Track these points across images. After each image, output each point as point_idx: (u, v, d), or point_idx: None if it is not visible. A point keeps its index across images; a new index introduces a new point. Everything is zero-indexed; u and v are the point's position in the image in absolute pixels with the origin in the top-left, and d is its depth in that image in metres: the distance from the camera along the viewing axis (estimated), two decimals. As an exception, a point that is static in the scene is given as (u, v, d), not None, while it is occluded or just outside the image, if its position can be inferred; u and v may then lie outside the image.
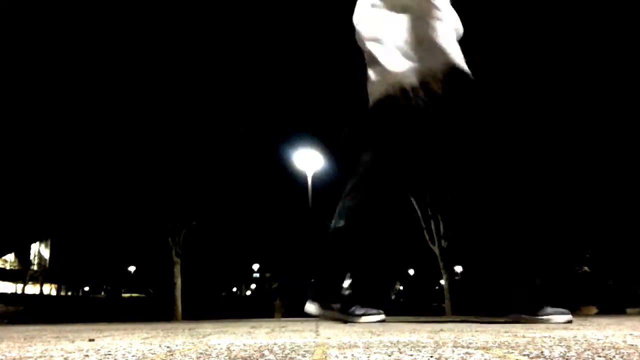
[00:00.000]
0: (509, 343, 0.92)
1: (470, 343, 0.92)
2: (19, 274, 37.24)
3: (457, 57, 2.17)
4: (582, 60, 14.16)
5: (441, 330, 1.41)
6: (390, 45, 2.15)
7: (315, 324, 2.40)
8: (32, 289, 37.86)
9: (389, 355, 0.73)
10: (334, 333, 1.36)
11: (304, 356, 0.76)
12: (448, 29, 2.22)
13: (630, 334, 1.11)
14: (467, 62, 2.23)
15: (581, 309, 24.03)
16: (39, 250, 41.92)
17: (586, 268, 27.21)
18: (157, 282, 30.99)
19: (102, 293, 43.27)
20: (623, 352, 0.74)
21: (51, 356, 0.85)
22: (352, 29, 2.43)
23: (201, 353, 0.84)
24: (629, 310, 17.65)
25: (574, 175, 16.37)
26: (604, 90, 14.55)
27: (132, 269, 39.70)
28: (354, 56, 2.51)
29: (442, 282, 16.31)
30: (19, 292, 35.05)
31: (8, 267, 38.92)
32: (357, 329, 1.62)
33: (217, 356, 0.78)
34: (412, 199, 15.78)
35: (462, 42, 2.40)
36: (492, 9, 12.98)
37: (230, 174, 15.01)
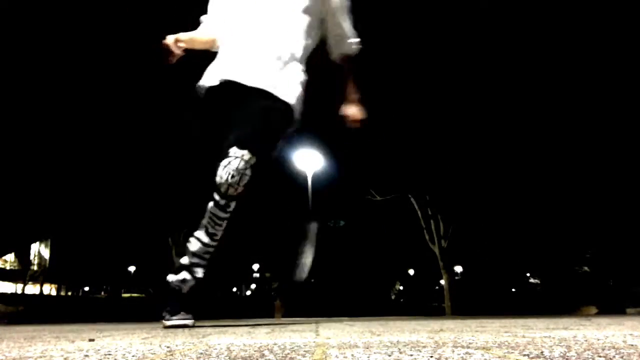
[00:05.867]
0: (509, 343, 0.92)
1: (470, 343, 0.92)
2: (19, 274, 37.22)
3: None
4: (582, 60, 14.15)
5: (441, 330, 1.41)
6: None
7: (315, 324, 2.40)
8: (32, 289, 37.85)
9: (389, 355, 0.73)
10: (334, 333, 1.36)
11: (304, 356, 0.76)
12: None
13: (630, 334, 1.11)
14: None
15: (581, 309, 24.04)
16: (39, 250, 41.92)
17: (586, 268, 27.22)
18: (157, 282, 30.99)
19: (102, 293, 43.28)
20: (623, 352, 0.74)
21: (51, 356, 0.85)
22: None
23: (201, 353, 0.84)
24: (629, 310, 17.65)
25: (574, 176, 16.37)
26: (603, 90, 14.55)
27: (132, 269, 39.71)
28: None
29: (442, 282, 16.32)
30: (19, 292, 35.04)
31: (8, 267, 38.92)
32: (357, 329, 1.62)
33: (217, 356, 0.78)
34: (412, 199, 15.78)
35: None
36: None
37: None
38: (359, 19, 2.41)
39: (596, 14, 13.39)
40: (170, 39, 2.26)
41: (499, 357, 0.71)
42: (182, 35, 2.30)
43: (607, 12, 13.37)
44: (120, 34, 13.56)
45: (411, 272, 41.33)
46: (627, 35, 13.42)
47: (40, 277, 38.08)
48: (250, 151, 1.92)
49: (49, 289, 41.75)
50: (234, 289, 47.25)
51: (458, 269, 31.43)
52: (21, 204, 19.42)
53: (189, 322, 1.97)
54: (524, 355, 0.73)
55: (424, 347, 0.85)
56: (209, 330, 1.72)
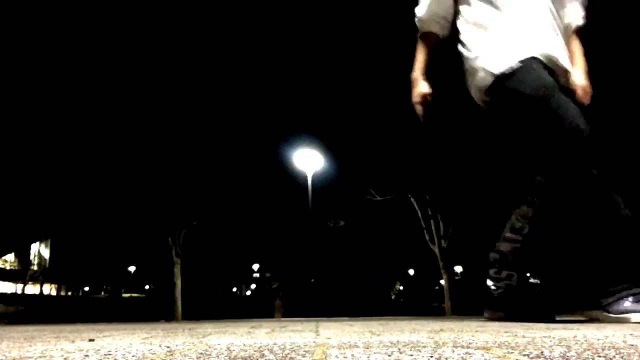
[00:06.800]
0: (509, 343, 0.92)
1: (470, 343, 0.92)
2: (19, 274, 37.27)
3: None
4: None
5: (441, 330, 1.41)
6: None
7: (315, 324, 2.40)
8: (32, 289, 37.89)
9: (389, 355, 0.73)
10: (334, 333, 1.36)
11: (304, 356, 0.76)
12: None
13: (630, 334, 1.11)
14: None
15: (581, 309, 24.02)
16: (39, 250, 41.96)
17: (586, 268, 27.18)
18: (157, 282, 31.01)
19: (102, 293, 43.31)
20: (623, 352, 0.74)
21: (51, 356, 0.85)
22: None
23: (201, 353, 0.84)
24: (629, 310, 17.63)
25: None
26: (603, 90, 14.52)
27: (132, 269, 39.73)
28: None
29: (442, 282, 16.31)
30: (19, 292, 35.08)
31: (8, 267, 38.94)
32: (357, 329, 1.62)
33: (217, 356, 0.78)
34: (412, 199, 15.78)
35: None
36: None
37: (230, 174, 15.01)
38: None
39: (596, 14, 13.38)
40: (418, 99, 2.27)
41: (499, 357, 0.71)
42: (424, 86, 2.32)
43: (608, 12, 13.37)
44: (118, 33, 13.56)
45: (411, 272, 41.35)
46: (627, 34, 13.42)
47: (40, 277, 38.11)
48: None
49: (49, 289, 41.76)
50: (234, 289, 47.29)
51: (458, 269, 31.43)
52: (21, 204, 19.41)
53: None
54: (524, 355, 0.73)
55: (424, 347, 0.85)
56: (209, 330, 1.72)
